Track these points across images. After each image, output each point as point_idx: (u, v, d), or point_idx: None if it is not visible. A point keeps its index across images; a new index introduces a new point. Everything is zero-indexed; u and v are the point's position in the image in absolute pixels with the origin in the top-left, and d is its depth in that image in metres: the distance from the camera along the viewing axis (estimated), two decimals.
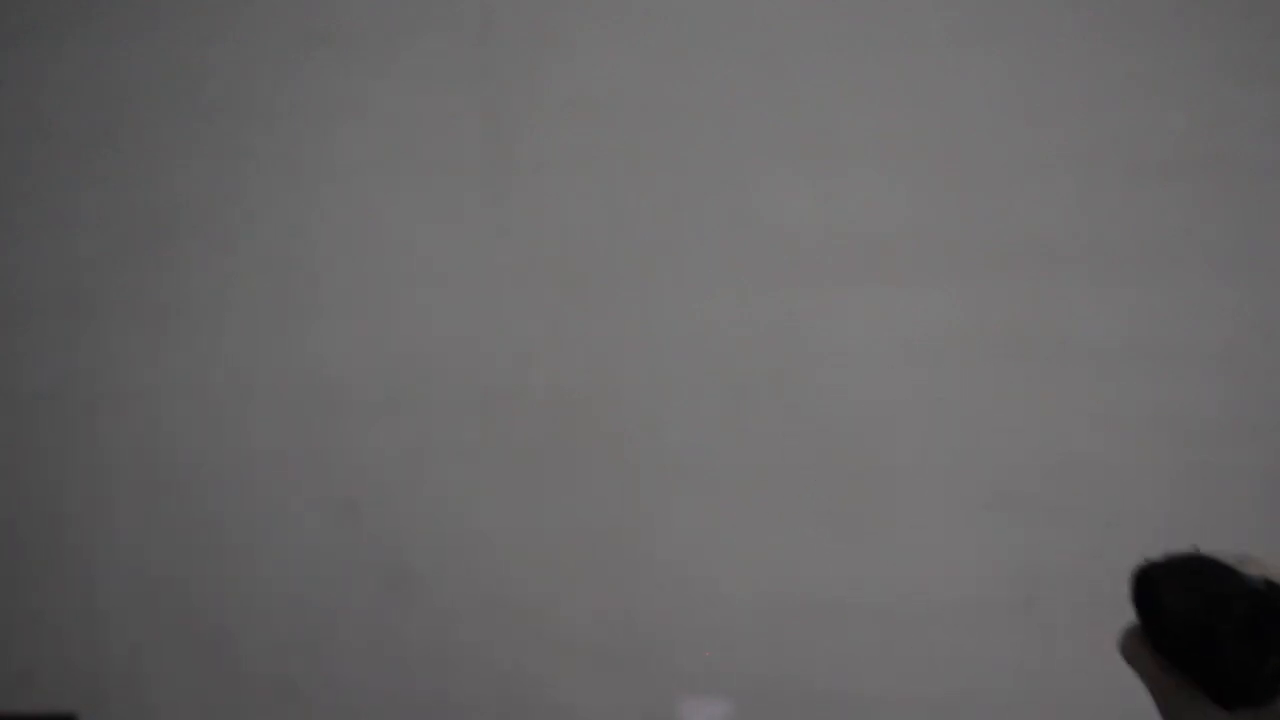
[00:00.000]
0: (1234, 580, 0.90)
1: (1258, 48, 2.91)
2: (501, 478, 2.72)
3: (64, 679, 2.90)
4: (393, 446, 2.76)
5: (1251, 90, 2.92)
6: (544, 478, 2.72)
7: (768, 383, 2.84)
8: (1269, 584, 0.89)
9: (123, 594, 2.88)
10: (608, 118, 2.88)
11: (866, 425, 2.78)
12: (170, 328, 2.93)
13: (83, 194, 3.04)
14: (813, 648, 2.51)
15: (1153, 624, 0.93)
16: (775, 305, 2.91)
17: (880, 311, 2.88)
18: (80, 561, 2.78)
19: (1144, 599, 0.95)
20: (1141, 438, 2.74)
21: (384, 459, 2.75)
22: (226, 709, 2.63)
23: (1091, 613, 2.54)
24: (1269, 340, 2.83)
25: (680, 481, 2.70)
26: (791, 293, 2.92)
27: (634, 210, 2.96)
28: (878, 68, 2.88)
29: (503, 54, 2.99)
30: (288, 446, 2.78)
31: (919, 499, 2.67)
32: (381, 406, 2.81)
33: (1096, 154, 2.82)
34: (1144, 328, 2.84)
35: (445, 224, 2.97)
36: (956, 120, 2.86)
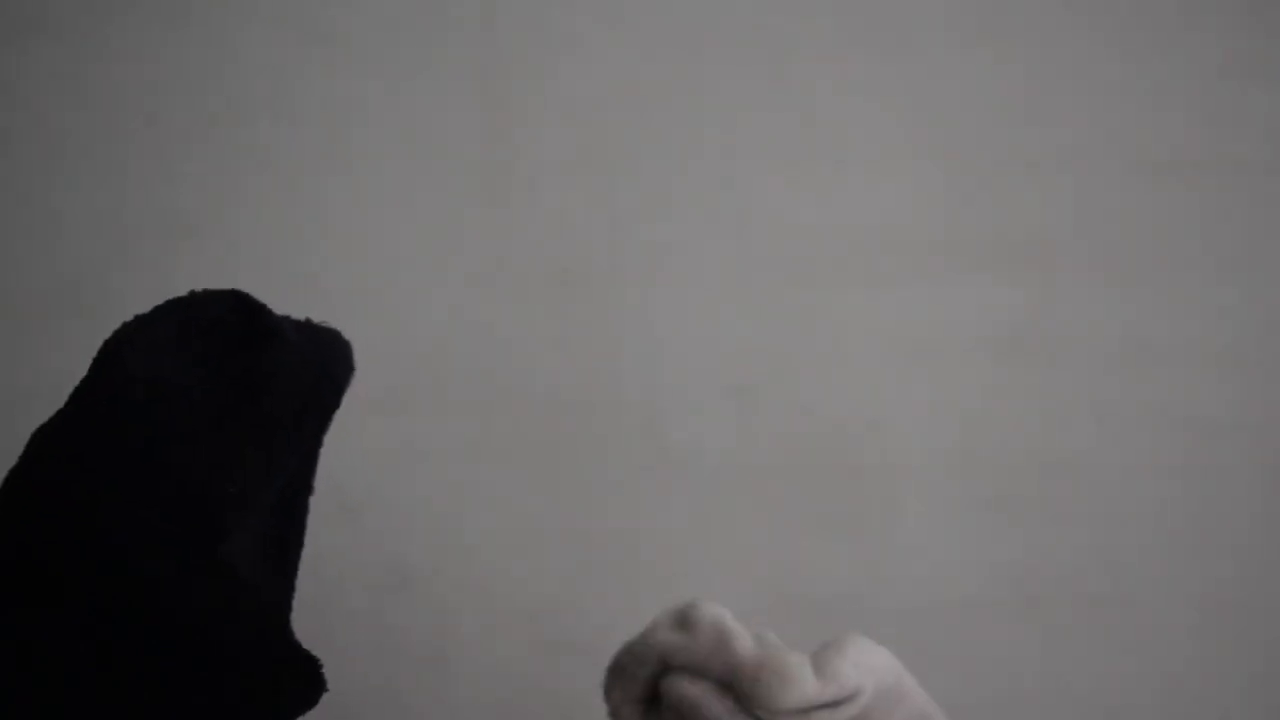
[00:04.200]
0: None
1: (1258, 48, 2.92)
2: (501, 478, 2.72)
3: None
4: (393, 446, 2.76)
5: (1251, 90, 2.93)
6: (544, 478, 2.72)
7: (768, 383, 2.85)
8: None
9: None
10: (609, 117, 2.89)
11: (866, 425, 2.78)
12: None
13: (83, 194, 3.05)
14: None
15: None
16: (775, 305, 2.92)
17: (880, 311, 2.89)
18: None
19: None
20: (1141, 438, 2.74)
21: (384, 459, 2.75)
22: None
23: (1091, 613, 2.55)
24: (1269, 340, 2.84)
25: (680, 481, 2.70)
26: (791, 293, 2.92)
27: (634, 210, 2.96)
28: (878, 68, 2.89)
29: (503, 54, 3.00)
30: None
31: (919, 499, 2.67)
32: (381, 406, 2.81)
33: (1096, 154, 2.83)
34: (1144, 328, 2.85)
35: (445, 224, 2.98)
36: (956, 120, 2.87)
